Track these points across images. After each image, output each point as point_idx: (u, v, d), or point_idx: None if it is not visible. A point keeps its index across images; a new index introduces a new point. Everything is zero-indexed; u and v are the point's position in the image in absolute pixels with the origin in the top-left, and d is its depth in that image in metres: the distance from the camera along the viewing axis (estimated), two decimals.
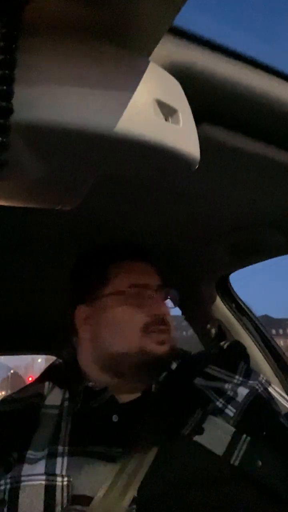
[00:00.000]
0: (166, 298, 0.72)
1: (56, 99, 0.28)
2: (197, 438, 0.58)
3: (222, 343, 0.82)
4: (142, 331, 0.65)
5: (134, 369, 0.64)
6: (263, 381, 0.69)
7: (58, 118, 0.28)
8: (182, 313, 1.30)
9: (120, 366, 0.65)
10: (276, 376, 1.05)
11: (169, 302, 0.73)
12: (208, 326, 1.16)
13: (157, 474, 0.55)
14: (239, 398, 0.64)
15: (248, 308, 1.16)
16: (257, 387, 0.66)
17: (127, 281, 0.69)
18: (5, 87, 0.24)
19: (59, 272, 0.78)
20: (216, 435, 0.58)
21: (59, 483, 0.54)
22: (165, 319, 0.68)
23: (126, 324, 0.66)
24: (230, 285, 1.17)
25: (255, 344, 1.09)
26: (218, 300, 1.15)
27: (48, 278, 0.97)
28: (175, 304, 0.75)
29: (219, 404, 0.63)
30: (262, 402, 0.65)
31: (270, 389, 0.68)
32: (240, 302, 1.15)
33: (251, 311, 1.15)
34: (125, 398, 0.65)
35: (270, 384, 0.69)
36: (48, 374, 0.73)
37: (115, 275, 0.70)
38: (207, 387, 0.66)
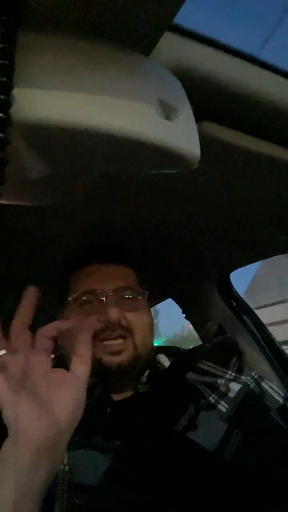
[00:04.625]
0: (128, 299, 0.67)
1: (56, 98, 0.28)
2: (189, 434, 0.58)
3: (215, 339, 0.82)
4: (94, 339, 0.62)
5: (95, 379, 0.64)
6: (256, 376, 0.68)
7: (58, 118, 0.28)
8: (183, 312, 1.30)
9: None
10: (276, 374, 1.05)
11: (136, 304, 0.68)
12: (209, 324, 1.16)
13: (152, 470, 0.55)
14: (232, 394, 0.63)
15: (248, 306, 1.16)
16: (249, 383, 0.66)
17: (80, 288, 0.67)
18: (4, 79, 0.24)
19: (59, 272, 0.78)
20: (208, 431, 0.59)
21: (60, 471, 0.54)
22: (122, 323, 0.64)
23: None
24: (231, 283, 1.17)
25: (256, 342, 1.09)
26: (219, 298, 1.15)
27: (48, 277, 0.97)
28: (149, 303, 0.72)
29: (211, 399, 0.63)
30: (254, 397, 0.65)
31: (263, 384, 0.68)
32: (240, 300, 1.16)
33: (251, 309, 1.15)
34: (118, 396, 0.65)
35: (263, 379, 0.69)
36: None
37: (73, 283, 0.69)
38: (199, 382, 0.66)
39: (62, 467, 0.55)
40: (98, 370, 0.62)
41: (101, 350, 0.63)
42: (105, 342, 0.63)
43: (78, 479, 0.54)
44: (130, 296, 0.68)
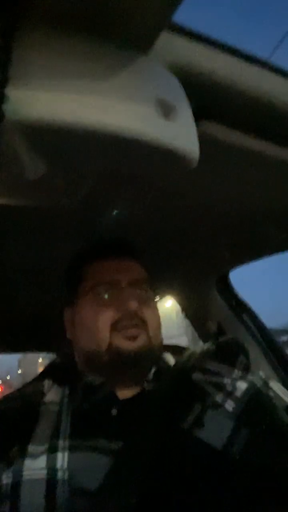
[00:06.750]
0: (142, 292, 0.70)
1: (54, 98, 0.28)
2: (196, 432, 0.58)
3: (220, 339, 0.82)
4: (111, 329, 0.65)
5: (107, 367, 0.65)
6: (263, 376, 0.69)
7: (57, 117, 0.28)
8: (182, 310, 1.30)
9: (94, 365, 0.66)
10: (276, 373, 1.05)
11: (148, 296, 0.71)
12: (208, 323, 1.16)
13: (157, 468, 0.55)
14: (238, 393, 0.64)
15: (248, 305, 1.16)
16: (256, 382, 0.66)
17: (96, 279, 0.69)
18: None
19: (59, 271, 0.78)
20: (215, 429, 0.59)
21: (60, 477, 0.54)
22: (138, 314, 0.66)
23: (94, 323, 0.66)
24: (230, 282, 1.17)
25: (255, 341, 1.09)
26: (218, 297, 1.15)
27: (48, 277, 0.97)
28: (158, 296, 0.74)
29: (218, 398, 0.63)
30: (261, 396, 0.65)
31: (270, 384, 0.68)
32: (240, 299, 1.16)
33: (251, 308, 1.15)
34: (124, 394, 0.65)
35: (270, 379, 0.69)
36: (47, 372, 0.74)
37: (87, 275, 0.71)
38: (206, 382, 0.66)
39: (61, 473, 0.54)
40: (115, 359, 0.63)
41: (118, 337, 0.64)
42: (124, 330, 0.65)
43: (79, 483, 0.54)
44: (144, 289, 0.71)
